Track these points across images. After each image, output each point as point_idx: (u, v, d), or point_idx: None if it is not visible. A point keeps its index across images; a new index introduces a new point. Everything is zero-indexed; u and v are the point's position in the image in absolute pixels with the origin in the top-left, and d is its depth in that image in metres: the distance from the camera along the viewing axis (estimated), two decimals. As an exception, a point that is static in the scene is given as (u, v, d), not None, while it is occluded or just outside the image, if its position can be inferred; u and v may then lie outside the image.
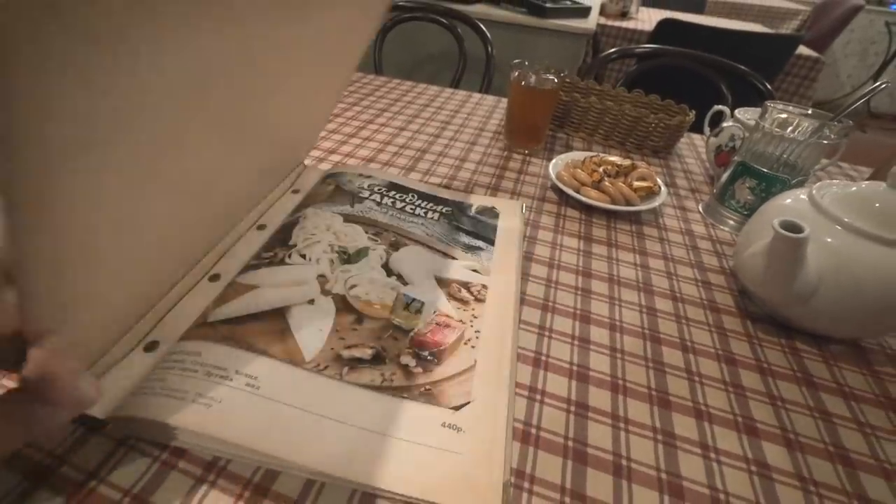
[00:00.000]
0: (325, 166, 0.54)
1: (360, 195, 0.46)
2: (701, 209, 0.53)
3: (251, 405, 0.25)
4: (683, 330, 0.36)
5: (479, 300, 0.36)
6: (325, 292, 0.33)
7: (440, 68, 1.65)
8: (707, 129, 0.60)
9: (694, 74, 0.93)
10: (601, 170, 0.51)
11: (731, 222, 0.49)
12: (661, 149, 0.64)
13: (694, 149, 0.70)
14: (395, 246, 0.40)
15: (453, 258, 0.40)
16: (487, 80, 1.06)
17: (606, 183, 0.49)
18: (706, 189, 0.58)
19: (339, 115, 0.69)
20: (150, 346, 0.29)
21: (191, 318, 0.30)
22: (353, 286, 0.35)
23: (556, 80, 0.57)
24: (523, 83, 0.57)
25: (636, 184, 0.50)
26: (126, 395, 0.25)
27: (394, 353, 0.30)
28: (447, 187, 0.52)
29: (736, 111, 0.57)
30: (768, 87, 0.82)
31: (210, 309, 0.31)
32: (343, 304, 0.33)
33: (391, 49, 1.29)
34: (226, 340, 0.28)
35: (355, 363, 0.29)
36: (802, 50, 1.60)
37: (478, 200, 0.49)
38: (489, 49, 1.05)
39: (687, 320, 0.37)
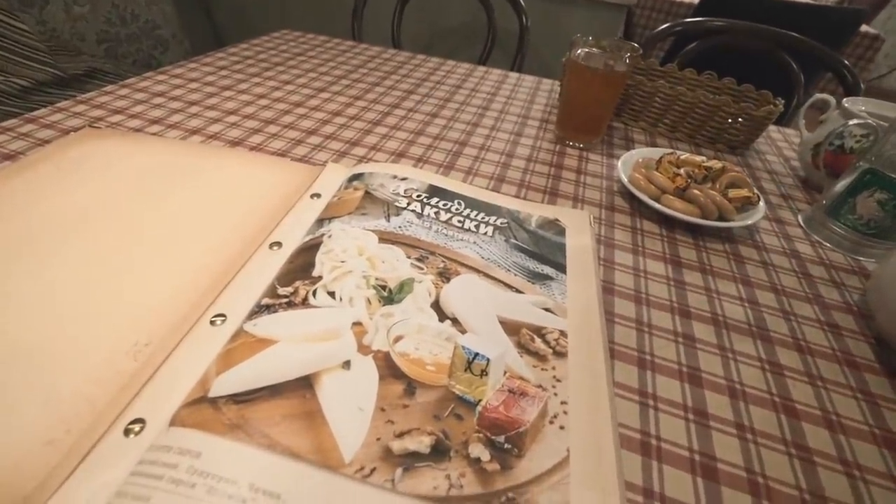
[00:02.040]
0: (348, 162, 0.45)
1: (397, 204, 0.37)
2: (802, 222, 0.44)
3: (272, 544, 0.17)
4: (822, 397, 0.28)
5: (558, 354, 0.28)
6: (362, 349, 0.25)
7: (460, 44, 1.52)
8: (803, 123, 0.51)
9: (752, 56, 0.81)
10: (683, 172, 0.42)
11: (847, 242, 0.40)
12: (740, 144, 0.55)
13: (772, 144, 0.60)
14: (444, 275, 0.31)
15: (519, 291, 0.31)
16: (521, 56, 0.95)
17: (695, 191, 0.40)
18: (800, 196, 0.49)
19: (359, 97, 0.59)
20: (132, 428, 0.21)
21: (185, 387, 0.22)
22: (399, 338, 0.26)
23: (628, 61, 0.47)
24: (586, 63, 0.47)
25: (731, 192, 0.41)
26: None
27: (459, 439, 0.22)
28: (496, 191, 0.43)
29: (844, 101, 0.47)
30: (854, 74, 0.70)
31: (211, 375, 0.23)
32: (388, 367, 0.25)
33: (407, 22, 1.17)
34: (234, 431, 0.20)
35: (411, 461, 0.21)
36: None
37: (536, 209, 0.40)
38: (524, 21, 0.93)
39: (822, 381, 0.29)
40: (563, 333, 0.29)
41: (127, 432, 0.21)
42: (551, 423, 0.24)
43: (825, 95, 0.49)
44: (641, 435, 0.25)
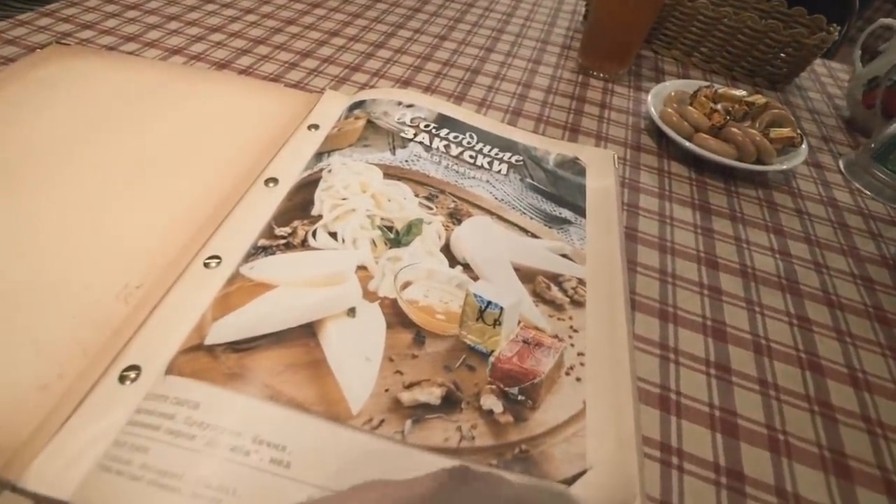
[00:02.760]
0: (348, 90, 0.41)
1: (403, 134, 0.34)
2: (842, 168, 0.40)
3: (281, 496, 0.16)
4: (850, 353, 0.27)
5: (576, 303, 0.26)
6: (368, 295, 0.23)
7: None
8: (859, 53, 0.45)
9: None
10: (721, 108, 0.38)
11: (889, 190, 0.37)
12: (782, 79, 0.49)
13: (816, 79, 0.54)
14: (454, 216, 0.29)
15: (535, 236, 0.29)
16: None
17: (733, 129, 0.36)
18: (842, 139, 0.45)
19: (358, 14, 0.52)
20: (127, 375, 0.20)
21: (180, 333, 0.21)
22: (407, 284, 0.25)
23: (669, -28, 0.40)
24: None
25: (772, 132, 0.37)
26: (95, 464, 0.17)
27: (471, 391, 0.21)
28: (511, 125, 0.39)
29: (912, 28, 0.41)
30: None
31: (207, 321, 0.21)
32: (395, 315, 0.23)
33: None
34: (233, 381, 0.19)
35: (421, 412, 0.20)
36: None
37: (555, 147, 0.37)
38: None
39: (851, 337, 0.27)
40: (581, 282, 0.27)
41: (122, 379, 0.20)
42: (567, 374, 0.23)
43: (890, 21, 0.43)
44: (661, 389, 0.24)
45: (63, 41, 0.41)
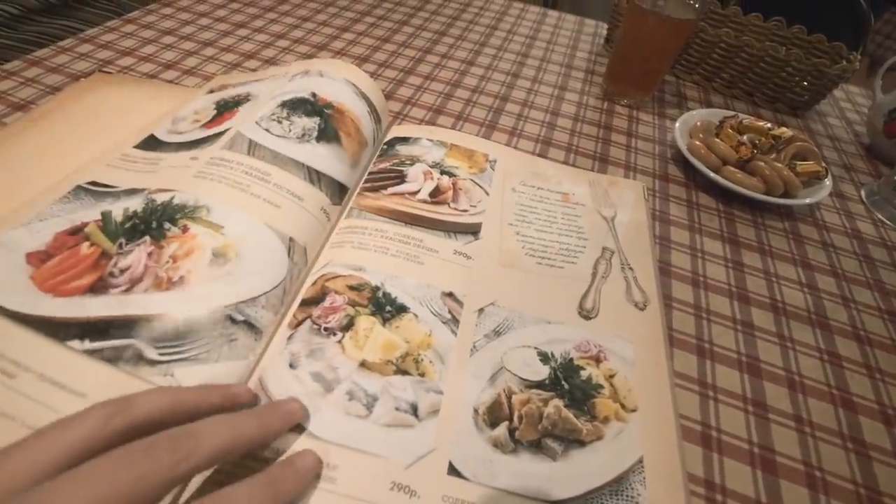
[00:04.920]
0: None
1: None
2: (864, 198, 0.41)
3: None
4: (880, 390, 0.28)
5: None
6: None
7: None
8: (880, 84, 0.46)
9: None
10: (747, 140, 0.39)
11: (913, 223, 0.38)
12: (803, 105, 0.50)
13: (835, 104, 0.55)
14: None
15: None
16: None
17: (760, 163, 0.37)
18: (862, 167, 0.46)
19: (387, 38, 0.54)
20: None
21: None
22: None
23: (697, 6, 0.41)
24: (650, 7, 0.42)
25: (799, 166, 0.38)
26: None
27: (526, 430, 0.22)
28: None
29: (932, 61, 0.42)
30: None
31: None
32: (452, 355, 0.24)
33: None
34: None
35: (482, 453, 0.21)
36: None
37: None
38: (562, -55, 0.82)
39: (881, 374, 0.28)
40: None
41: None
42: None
43: (911, 52, 0.44)
44: (702, 427, 0.25)
45: (105, 69, 0.43)
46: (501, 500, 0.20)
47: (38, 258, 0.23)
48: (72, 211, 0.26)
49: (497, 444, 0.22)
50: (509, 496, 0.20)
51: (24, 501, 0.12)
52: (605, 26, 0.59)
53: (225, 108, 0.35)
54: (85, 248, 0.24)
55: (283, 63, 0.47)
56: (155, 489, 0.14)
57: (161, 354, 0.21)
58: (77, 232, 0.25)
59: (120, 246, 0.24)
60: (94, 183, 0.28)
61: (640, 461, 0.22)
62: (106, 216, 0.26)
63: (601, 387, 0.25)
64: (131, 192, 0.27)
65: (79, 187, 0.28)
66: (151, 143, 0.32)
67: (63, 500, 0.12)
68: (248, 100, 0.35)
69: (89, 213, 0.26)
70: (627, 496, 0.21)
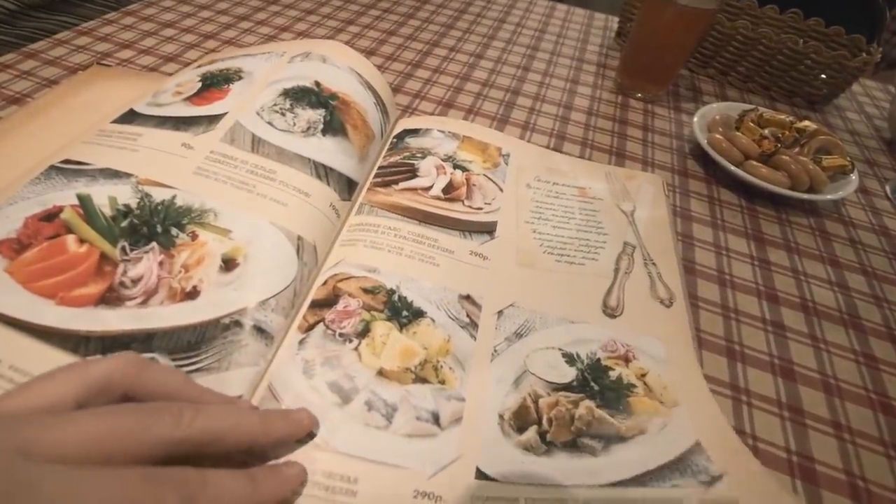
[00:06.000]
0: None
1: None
2: (889, 194, 0.40)
3: None
4: (920, 394, 0.26)
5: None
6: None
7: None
8: (902, 76, 0.44)
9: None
10: (769, 134, 0.38)
11: (941, 218, 0.37)
12: (821, 100, 0.49)
13: (853, 98, 0.54)
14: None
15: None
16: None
17: (784, 157, 0.36)
18: (885, 162, 0.44)
19: (393, 31, 0.52)
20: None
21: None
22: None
23: (717, -3, 0.40)
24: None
25: (825, 160, 0.36)
26: None
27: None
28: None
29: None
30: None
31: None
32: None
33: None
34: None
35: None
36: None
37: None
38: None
39: (919, 377, 0.27)
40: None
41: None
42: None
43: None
44: (738, 434, 0.23)
45: (103, 62, 0.41)
46: (538, 493, 0.19)
47: (9, 247, 0.22)
48: (41, 192, 0.24)
49: (528, 448, 0.20)
50: (545, 488, 0.19)
51: (35, 421, 0.14)
52: (616, 20, 0.58)
53: (212, 83, 0.33)
54: (72, 243, 0.22)
55: (280, 39, 0.45)
56: (150, 445, 0.14)
57: (177, 367, 0.19)
58: (51, 217, 0.23)
59: (124, 251, 0.22)
60: (66, 161, 0.26)
61: (699, 443, 0.21)
62: (86, 201, 0.24)
63: (633, 386, 0.23)
64: (110, 173, 0.25)
65: (51, 167, 0.26)
66: (129, 117, 0.30)
67: (66, 426, 0.14)
68: (240, 77, 0.34)
69: (61, 196, 0.24)
70: (692, 471, 0.20)
